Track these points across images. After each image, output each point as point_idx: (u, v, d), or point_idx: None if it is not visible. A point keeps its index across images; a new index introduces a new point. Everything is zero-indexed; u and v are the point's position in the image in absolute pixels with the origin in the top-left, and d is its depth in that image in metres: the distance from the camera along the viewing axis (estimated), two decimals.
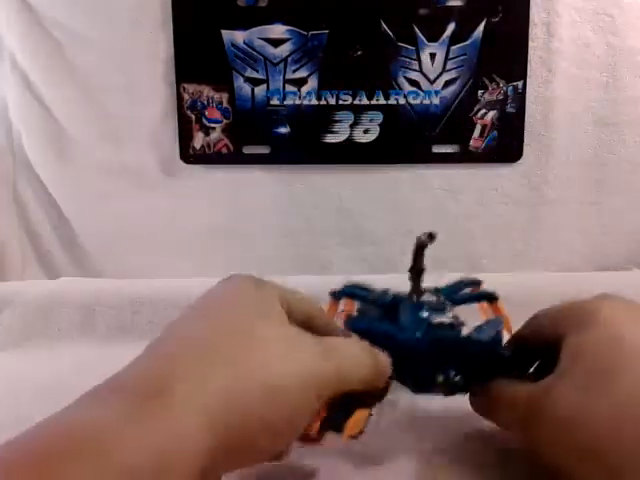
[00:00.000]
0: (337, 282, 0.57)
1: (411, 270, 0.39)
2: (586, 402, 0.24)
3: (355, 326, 0.34)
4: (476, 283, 0.43)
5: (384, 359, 0.29)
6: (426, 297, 0.37)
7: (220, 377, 0.22)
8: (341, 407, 0.27)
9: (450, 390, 0.32)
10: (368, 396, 0.29)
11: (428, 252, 0.66)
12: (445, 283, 0.44)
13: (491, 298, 0.40)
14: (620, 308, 0.27)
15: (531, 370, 0.32)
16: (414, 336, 0.33)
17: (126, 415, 0.20)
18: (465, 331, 0.33)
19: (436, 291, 0.41)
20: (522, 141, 0.61)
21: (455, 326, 0.33)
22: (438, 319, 0.33)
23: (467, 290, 0.42)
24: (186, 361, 0.23)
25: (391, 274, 0.62)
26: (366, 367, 0.27)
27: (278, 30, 0.59)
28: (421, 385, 0.33)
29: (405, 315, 0.35)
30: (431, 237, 0.37)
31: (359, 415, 0.27)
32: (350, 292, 0.42)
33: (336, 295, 0.42)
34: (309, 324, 0.29)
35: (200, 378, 0.22)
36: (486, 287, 0.42)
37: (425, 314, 0.34)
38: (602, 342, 0.25)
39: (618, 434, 0.22)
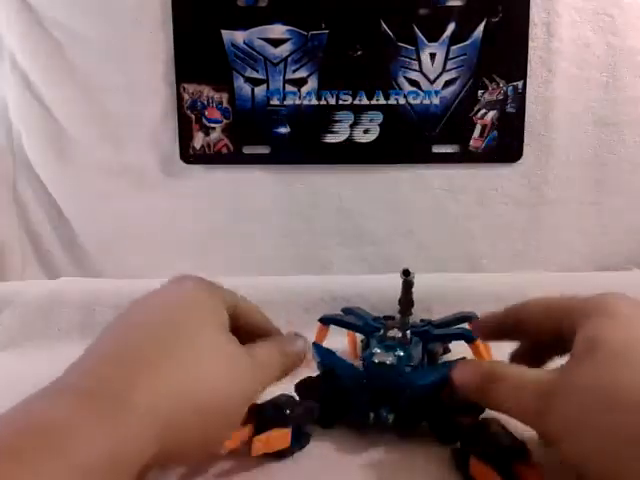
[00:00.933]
0: (337, 282, 0.57)
1: (400, 304, 0.40)
2: (608, 385, 0.23)
3: (319, 355, 0.37)
4: (472, 318, 0.43)
5: (297, 349, 0.32)
6: (392, 332, 0.37)
7: (163, 387, 0.24)
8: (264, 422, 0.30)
9: (381, 428, 0.32)
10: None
11: (428, 252, 0.67)
12: (442, 316, 0.45)
13: (468, 339, 0.40)
14: (627, 302, 0.28)
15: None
16: (352, 373, 0.34)
17: (79, 415, 0.21)
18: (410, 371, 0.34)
19: (424, 325, 0.42)
20: (522, 141, 0.61)
21: (395, 367, 0.33)
22: (381, 358, 0.33)
23: (464, 325, 0.43)
24: (133, 367, 0.24)
25: (391, 274, 0.62)
26: (281, 365, 0.31)
27: (278, 30, 0.59)
28: (357, 422, 0.33)
29: (365, 351, 0.37)
30: (408, 274, 0.38)
31: (277, 434, 0.30)
32: (337, 320, 0.45)
33: (324, 321, 0.45)
34: (247, 325, 0.32)
35: (147, 386, 0.23)
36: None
37: (376, 350, 0.34)
38: (617, 330, 0.26)
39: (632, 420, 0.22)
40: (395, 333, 0.37)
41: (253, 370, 0.28)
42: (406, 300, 0.40)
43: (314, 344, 0.39)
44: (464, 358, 0.37)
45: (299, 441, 0.32)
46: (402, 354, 0.34)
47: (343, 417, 0.34)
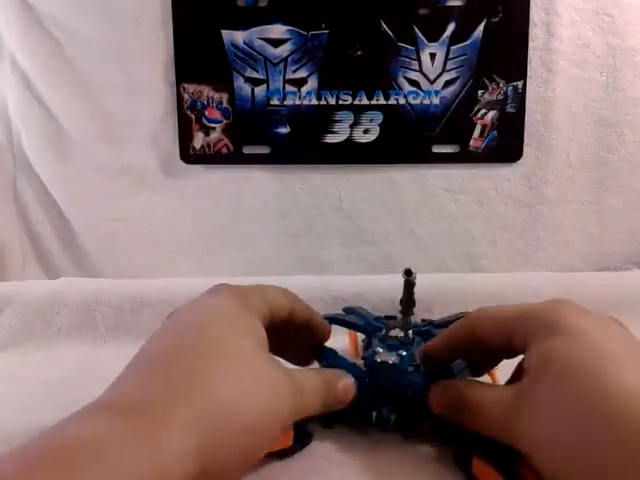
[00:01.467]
0: (337, 282, 0.57)
1: (401, 303, 0.40)
2: (564, 405, 0.25)
3: (323, 356, 0.37)
4: None
5: (343, 386, 0.32)
6: (394, 332, 0.37)
7: (202, 406, 0.24)
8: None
9: (382, 428, 0.33)
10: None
11: (428, 252, 0.67)
12: (442, 316, 0.45)
13: None
14: (576, 314, 0.28)
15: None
16: (354, 373, 0.34)
17: (124, 432, 0.21)
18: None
19: (425, 325, 0.42)
20: (522, 141, 0.61)
21: (398, 366, 0.33)
22: (383, 357, 0.33)
23: None
24: (172, 385, 0.24)
25: (391, 274, 0.62)
26: (323, 397, 0.30)
27: (278, 30, 0.59)
28: (358, 421, 0.34)
29: (367, 350, 0.37)
30: (410, 274, 0.38)
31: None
32: (338, 319, 0.45)
33: (329, 321, 0.44)
34: (291, 320, 0.33)
35: (187, 404, 0.23)
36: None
37: (378, 350, 0.35)
38: (568, 349, 0.26)
39: (598, 433, 0.23)
40: (397, 333, 0.37)
41: (293, 396, 0.28)
42: (408, 300, 0.41)
43: (315, 343, 0.39)
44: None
45: (301, 440, 0.32)
46: (404, 354, 0.34)
47: (345, 417, 0.34)
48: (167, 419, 0.22)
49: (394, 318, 0.44)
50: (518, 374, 0.30)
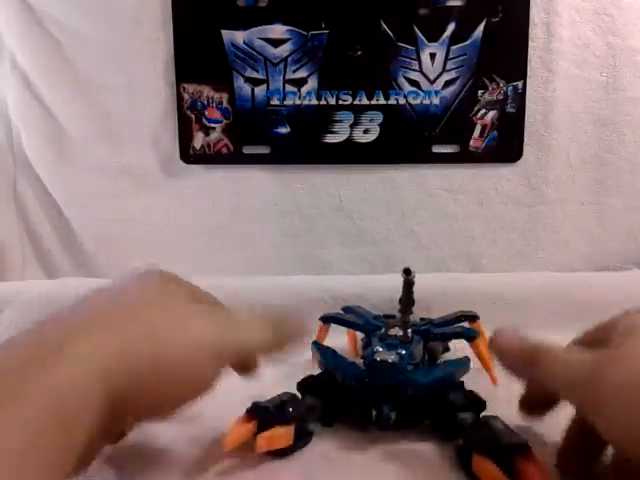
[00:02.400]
0: (337, 282, 0.57)
1: (400, 302, 0.40)
2: None
3: (322, 355, 0.37)
4: (473, 317, 0.44)
5: (291, 326, 0.31)
6: (394, 331, 0.38)
7: (115, 340, 0.24)
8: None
9: (383, 426, 0.32)
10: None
11: (428, 252, 0.67)
12: (442, 315, 0.45)
13: (468, 337, 0.40)
14: None
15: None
16: (353, 371, 0.34)
17: (28, 363, 0.21)
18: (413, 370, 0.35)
19: (424, 324, 0.43)
20: (522, 141, 0.61)
21: (397, 365, 0.33)
22: (383, 356, 0.33)
23: (465, 324, 0.43)
24: (81, 322, 0.24)
25: (391, 274, 0.62)
26: (265, 333, 0.30)
27: (278, 30, 0.59)
28: (358, 420, 0.34)
29: (367, 349, 0.37)
30: (409, 273, 0.38)
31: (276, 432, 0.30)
32: (337, 318, 0.45)
33: (325, 320, 0.45)
34: None
35: (93, 339, 0.23)
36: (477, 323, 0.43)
37: (378, 349, 0.34)
38: None
39: None
40: (396, 331, 0.37)
41: (227, 325, 0.28)
42: (407, 299, 0.41)
43: (314, 343, 0.39)
44: (467, 358, 0.37)
45: (302, 439, 0.32)
46: (404, 352, 0.34)
47: (345, 415, 0.34)
48: (67, 351, 0.22)
49: (393, 317, 0.44)
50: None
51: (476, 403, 0.33)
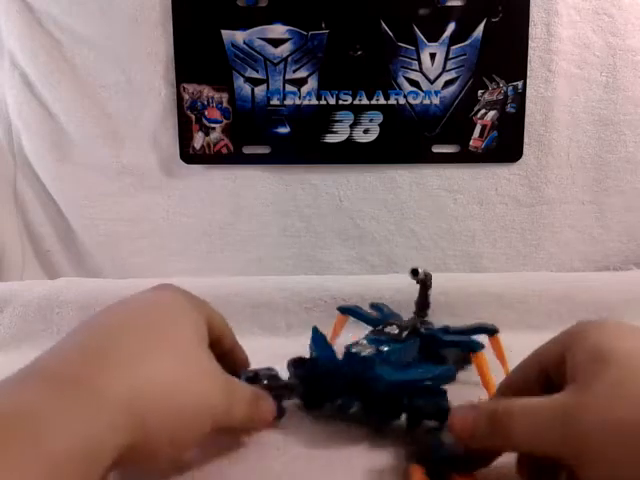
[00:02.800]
0: (337, 282, 0.57)
1: (415, 304, 0.41)
2: (620, 408, 0.22)
3: (311, 338, 0.38)
4: (493, 331, 0.41)
5: (267, 407, 0.31)
6: (389, 329, 0.38)
7: (139, 382, 0.24)
8: None
9: (344, 418, 0.33)
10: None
11: (428, 252, 0.66)
12: (443, 315, 0.45)
13: (472, 349, 0.39)
14: (608, 326, 0.26)
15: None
16: (329, 360, 0.35)
17: (56, 401, 0.21)
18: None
19: (434, 329, 0.42)
20: (522, 141, 0.61)
21: (368, 360, 0.33)
22: (357, 349, 0.34)
23: (481, 336, 0.41)
24: (110, 357, 0.24)
25: (391, 274, 0.62)
26: (250, 408, 0.30)
27: (278, 30, 0.59)
28: (328, 408, 0.34)
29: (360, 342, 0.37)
30: (416, 273, 0.39)
31: None
32: (353, 310, 0.46)
33: (342, 311, 0.46)
34: (219, 342, 0.32)
35: (123, 378, 0.23)
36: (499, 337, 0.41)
37: (362, 341, 0.36)
38: (621, 340, 0.25)
39: None
40: (391, 330, 0.38)
41: (228, 395, 0.28)
42: (420, 301, 0.41)
43: (314, 327, 0.39)
44: (452, 368, 0.36)
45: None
46: (385, 349, 0.35)
47: (322, 402, 0.35)
48: (101, 391, 0.22)
49: (424, 321, 0.44)
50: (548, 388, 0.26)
51: (444, 413, 0.31)
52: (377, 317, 0.45)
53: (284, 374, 0.37)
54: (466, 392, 0.37)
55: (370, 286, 0.56)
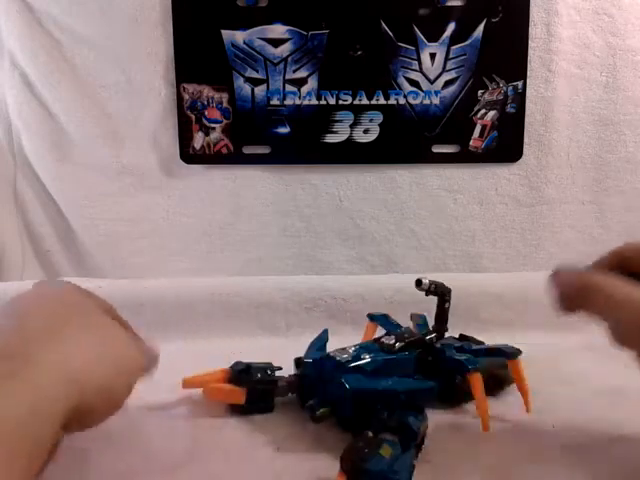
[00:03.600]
0: (337, 282, 0.57)
1: (435, 317, 0.41)
2: None
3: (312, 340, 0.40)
4: (511, 355, 0.39)
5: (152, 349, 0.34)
6: (385, 339, 0.38)
7: (68, 349, 0.26)
8: None
9: (311, 418, 0.33)
10: None
11: (428, 252, 0.66)
12: (488, 343, 0.43)
13: (462, 371, 0.37)
14: None
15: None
16: (312, 362, 0.36)
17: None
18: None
19: (447, 345, 0.41)
20: (522, 141, 0.61)
21: (336, 362, 0.34)
22: (334, 353, 0.35)
23: (498, 360, 0.40)
24: (37, 333, 0.26)
25: (391, 274, 0.62)
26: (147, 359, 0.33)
27: (278, 30, 0.59)
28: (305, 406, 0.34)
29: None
30: (419, 283, 0.39)
31: None
32: (379, 318, 0.45)
33: (372, 318, 0.46)
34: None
35: (54, 347, 0.25)
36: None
37: (349, 348, 0.36)
38: None
39: None
40: (387, 340, 0.38)
41: (141, 355, 0.31)
42: (439, 314, 0.41)
43: (324, 330, 0.41)
44: (432, 385, 0.35)
45: (255, 405, 0.36)
46: (367, 357, 0.35)
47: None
48: (36, 362, 0.24)
49: (467, 339, 0.43)
50: None
51: (405, 430, 0.31)
52: (405, 327, 0.43)
53: (287, 373, 0.38)
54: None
55: (370, 286, 0.56)
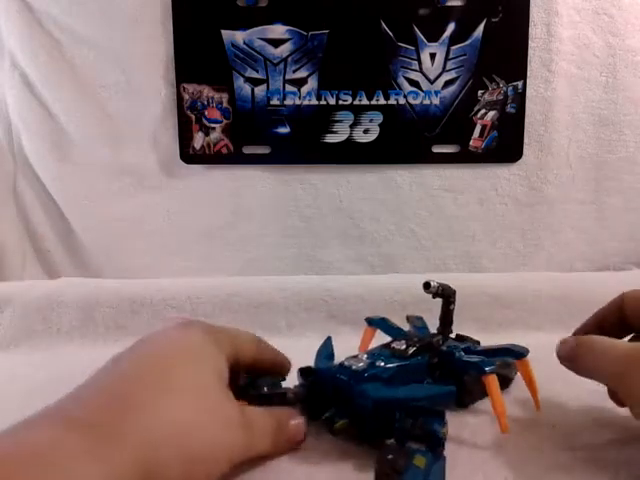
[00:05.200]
0: (337, 282, 0.57)
1: (440, 319, 0.40)
2: None
3: (320, 348, 0.38)
4: (519, 354, 0.39)
5: (295, 425, 0.31)
6: (395, 344, 0.37)
7: (154, 427, 0.24)
8: None
9: (330, 431, 0.31)
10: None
11: (428, 252, 0.66)
12: (492, 344, 0.42)
13: (480, 372, 0.36)
14: None
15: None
16: (325, 373, 0.34)
17: (76, 444, 0.21)
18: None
19: (455, 347, 0.40)
20: (522, 141, 0.61)
21: (352, 371, 0.33)
22: (350, 362, 0.33)
23: (507, 359, 0.39)
24: (127, 402, 0.25)
25: (391, 274, 0.62)
26: (274, 436, 0.30)
27: (278, 30, 0.59)
28: (321, 418, 0.33)
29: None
30: (428, 286, 0.38)
31: None
32: (379, 323, 0.44)
33: (370, 322, 0.44)
34: (256, 364, 0.33)
35: (139, 423, 0.24)
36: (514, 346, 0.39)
37: (362, 356, 0.35)
38: None
39: None
40: (398, 345, 0.36)
41: (244, 433, 0.28)
42: (443, 316, 0.40)
43: (328, 338, 0.39)
44: (451, 389, 0.35)
45: None
46: (382, 364, 0.33)
47: (321, 412, 0.34)
48: (118, 436, 0.23)
49: (463, 339, 0.43)
50: None
51: (431, 437, 0.30)
52: (403, 331, 0.43)
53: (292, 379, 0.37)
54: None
55: (370, 286, 0.56)
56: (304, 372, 0.37)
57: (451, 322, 0.42)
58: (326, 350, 0.38)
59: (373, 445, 0.31)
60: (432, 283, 0.39)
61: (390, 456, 0.28)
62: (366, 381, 0.32)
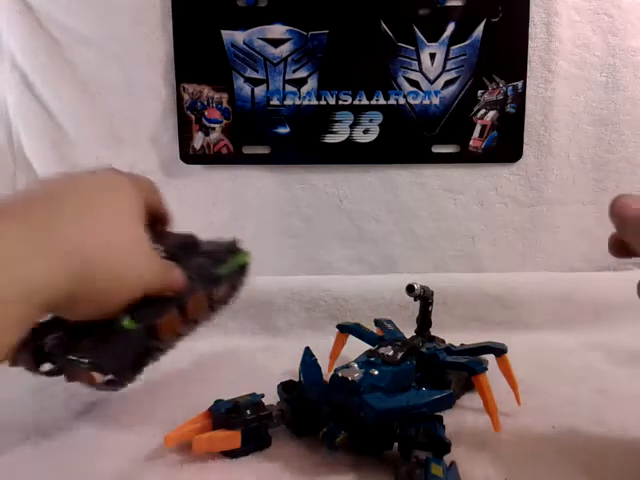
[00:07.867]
0: (337, 282, 0.57)
1: (417, 321, 0.40)
2: None
3: (301, 361, 0.37)
4: (501, 350, 0.39)
5: (177, 272, 0.34)
6: (383, 349, 0.36)
7: (82, 239, 0.27)
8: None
9: (329, 446, 0.30)
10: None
11: (428, 252, 0.66)
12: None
13: (470, 372, 0.37)
14: None
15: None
16: (315, 386, 0.34)
17: (15, 236, 0.24)
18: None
19: (437, 349, 0.40)
20: (522, 141, 0.61)
21: (350, 382, 0.31)
22: (345, 373, 0.32)
23: (486, 356, 0.39)
24: (60, 213, 0.27)
25: (391, 274, 0.62)
26: (163, 278, 0.32)
27: (278, 30, 0.59)
28: (317, 433, 0.32)
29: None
30: (412, 289, 0.38)
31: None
32: (352, 329, 0.44)
33: (342, 329, 0.44)
34: (157, 213, 0.38)
35: (69, 233, 0.26)
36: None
37: (352, 364, 0.34)
38: None
39: None
40: (386, 351, 0.36)
41: (158, 271, 0.31)
42: (422, 317, 0.40)
43: (306, 348, 0.38)
44: (450, 393, 0.34)
45: (252, 443, 0.33)
46: (376, 373, 0.32)
47: (312, 429, 0.33)
48: (49, 231, 0.25)
49: (433, 339, 0.42)
50: None
51: (438, 443, 0.30)
52: (378, 335, 0.43)
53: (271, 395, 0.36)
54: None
55: (370, 286, 0.57)
56: (286, 387, 0.36)
57: (430, 323, 0.41)
58: (309, 362, 0.37)
59: (371, 455, 0.31)
60: (415, 286, 0.39)
61: (404, 469, 0.28)
62: (365, 392, 0.31)
